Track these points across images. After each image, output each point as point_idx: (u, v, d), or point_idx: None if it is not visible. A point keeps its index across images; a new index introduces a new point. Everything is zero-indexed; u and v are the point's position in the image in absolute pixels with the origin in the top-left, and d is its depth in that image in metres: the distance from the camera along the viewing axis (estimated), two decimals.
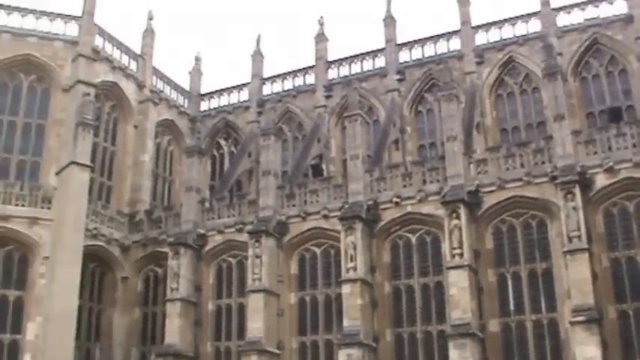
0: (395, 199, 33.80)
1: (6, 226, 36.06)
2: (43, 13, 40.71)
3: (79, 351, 35.42)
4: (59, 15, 40.89)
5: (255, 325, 33.70)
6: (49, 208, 36.78)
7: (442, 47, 42.86)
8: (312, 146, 42.72)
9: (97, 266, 39.30)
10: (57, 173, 37.50)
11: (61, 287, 34.69)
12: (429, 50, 43.22)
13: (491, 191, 32.20)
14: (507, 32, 41.59)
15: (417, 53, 43.49)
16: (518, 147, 32.83)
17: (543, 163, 31.63)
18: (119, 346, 38.63)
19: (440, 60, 41.03)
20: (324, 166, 42.90)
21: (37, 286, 35.59)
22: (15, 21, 40.19)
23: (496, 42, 41.53)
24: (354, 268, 32.47)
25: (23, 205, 36.56)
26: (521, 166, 32.04)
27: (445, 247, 31.83)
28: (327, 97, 44.63)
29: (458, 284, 30.58)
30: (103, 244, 39.19)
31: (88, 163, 37.24)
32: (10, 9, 40.34)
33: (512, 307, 31.15)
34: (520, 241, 31.72)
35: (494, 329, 30.98)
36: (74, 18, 40.90)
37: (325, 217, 35.22)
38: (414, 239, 33.57)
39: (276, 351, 33.83)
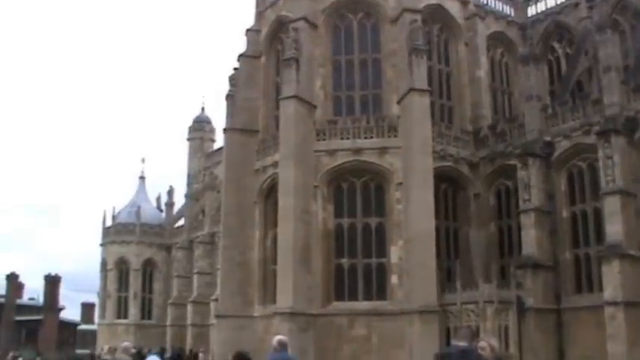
0: None
1: (359, 159, 38.38)
2: None
3: (441, 269, 36.52)
4: None
5: (614, 229, 32.28)
6: (395, 136, 38.29)
7: None
8: None
9: (448, 186, 40.24)
10: (398, 102, 38.63)
11: (417, 210, 36.11)
12: None
13: None
14: None
15: None
16: None
17: None
18: (478, 261, 39.45)
19: None
20: None
21: (394, 211, 37.51)
22: None
23: None
24: None
25: (372, 137, 38.52)
26: None
27: None
28: None
29: None
30: (452, 163, 39.91)
31: (425, 87, 37.94)
32: None
33: None
34: None
35: None
36: None
37: None
38: None
39: (639, 254, 32.32)
